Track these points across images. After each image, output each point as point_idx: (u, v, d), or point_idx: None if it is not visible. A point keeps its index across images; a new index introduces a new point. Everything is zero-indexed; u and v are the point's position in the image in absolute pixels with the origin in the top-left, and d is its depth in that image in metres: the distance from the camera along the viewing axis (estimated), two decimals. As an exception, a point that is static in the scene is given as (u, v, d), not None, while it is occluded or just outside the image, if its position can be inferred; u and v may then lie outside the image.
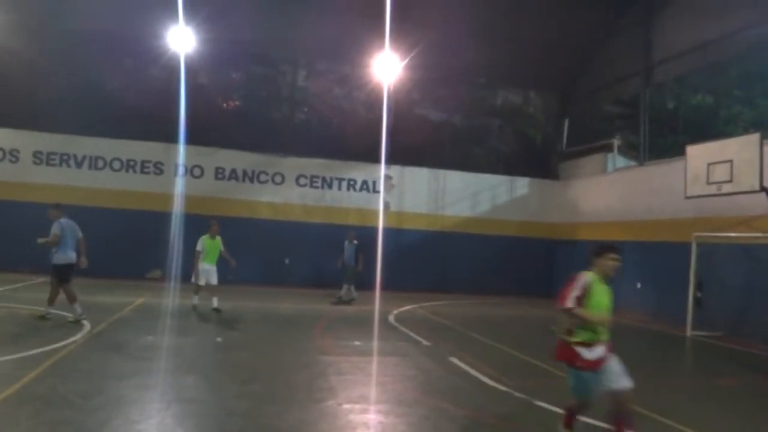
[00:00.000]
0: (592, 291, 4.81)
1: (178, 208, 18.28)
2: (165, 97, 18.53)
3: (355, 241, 15.87)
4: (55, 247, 9.87)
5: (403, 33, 17.62)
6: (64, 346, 8.00)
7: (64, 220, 10.05)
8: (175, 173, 18.95)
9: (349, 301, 15.59)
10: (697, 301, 13.10)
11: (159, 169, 18.99)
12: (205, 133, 18.94)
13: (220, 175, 19.50)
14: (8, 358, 7.17)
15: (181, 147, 18.73)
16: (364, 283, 17.03)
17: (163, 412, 5.50)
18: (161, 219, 17.88)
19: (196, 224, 18.26)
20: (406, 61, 18.79)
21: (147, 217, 18.04)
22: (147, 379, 6.73)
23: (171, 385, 6.48)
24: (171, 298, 14.08)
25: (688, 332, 12.92)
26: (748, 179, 11.57)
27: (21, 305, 11.23)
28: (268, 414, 5.66)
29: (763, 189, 11.49)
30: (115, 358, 7.64)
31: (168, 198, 18.31)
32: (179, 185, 18.76)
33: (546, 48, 20.16)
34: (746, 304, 12.55)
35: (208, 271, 12.55)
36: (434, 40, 18.38)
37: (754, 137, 11.71)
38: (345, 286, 15.93)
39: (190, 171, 19.16)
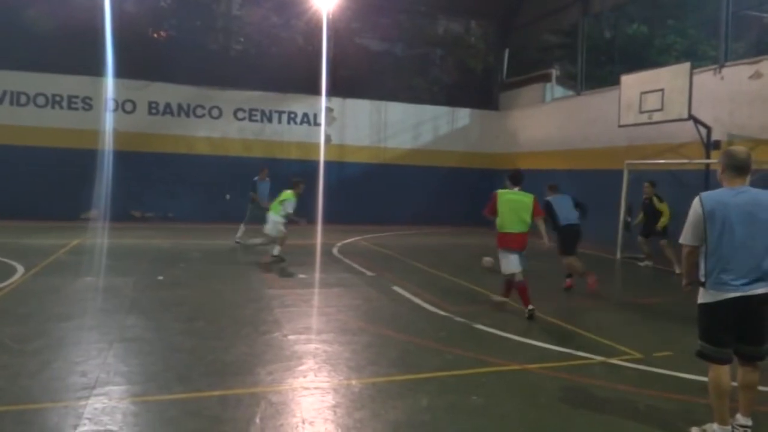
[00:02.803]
0: (500, 200, 7.58)
1: (110, 145, 17.57)
2: (90, 26, 17.40)
3: (267, 179, 14.12)
4: None
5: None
6: (-3, 291, 7.77)
7: None
8: (105, 108, 18.06)
9: (254, 246, 13.44)
10: (627, 225, 13.72)
11: (88, 104, 18.04)
12: (135, 65, 18.00)
13: (153, 110, 18.72)
14: (-64, 304, 6.92)
15: (110, 80, 17.80)
16: (308, 217, 17.01)
17: (105, 351, 5.46)
18: (93, 157, 17.19)
19: (130, 161, 17.74)
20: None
21: (78, 155, 17.27)
22: (87, 320, 6.63)
23: (112, 326, 6.41)
24: (108, 238, 13.74)
25: (618, 255, 13.60)
26: (678, 108, 11.98)
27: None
28: (213, 349, 5.71)
29: (691, 117, 11.95)
30: (53, 301, 7.47)
31: (99, 135, 17.53)
32: (110, 121, 17.94)
33: (486, -25, 19.88)
34: (672, 227, 13.23)
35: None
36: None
37: (685, 66, 12.06)
38: (245, 227, 13.87)
39: (121, 106, 18.30)
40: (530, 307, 7.43)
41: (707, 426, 4.05)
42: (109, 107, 18.05)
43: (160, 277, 9.39)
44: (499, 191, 7.69)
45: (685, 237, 4.04)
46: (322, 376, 5.07)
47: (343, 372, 5.20)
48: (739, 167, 3.94)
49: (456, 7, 21.95)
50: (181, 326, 6.52)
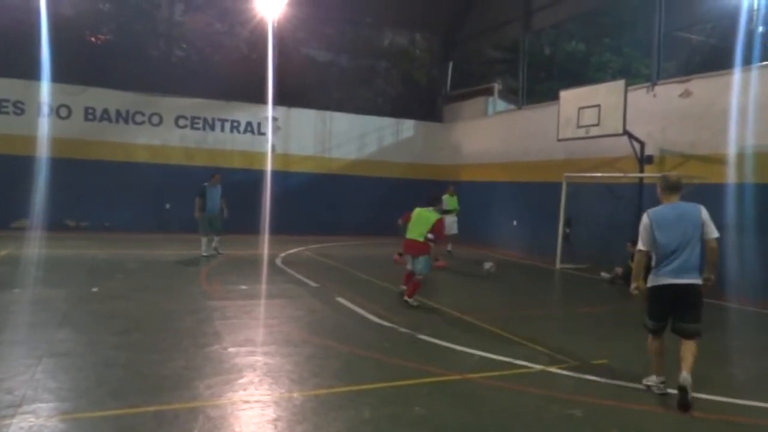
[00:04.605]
0: (412, 216, 9.14)
1: (43, 151, 16.84)
2: (24, 29, 16.67)
3: (219, 185, 13.43)
4: None
5: (286, -33, 16.93)
6: None
7: None
8: (39, 113, 17.32)
9: (213, 255, 13.28)
10: (566, 237, 14.13)
11: (19, 108, 17.22)
12: (71, 69, 17.31)
13: (90, 116, 18.05)
14: None
15: (45, 84, 17.08)
16: (251, 228, 16.80)
17: (34, 367, 5.20)
18: (24, 164, 16.42)
19: (65, 169, 17.05)
20: (291, -3, 18.10)
21: (7, 162, 16.46)
22: (14, 334, 6.31)
23: (42, 340, 6.10)
24: (38, 248, 13.13)
25: (557, 265, 13.97)
26: (613, 123, 12.44)
27: None
28: (149, 363, 5.52)
29: (626, 132, 12.43)
30: (-24, 314, 7.08)
31: (31, 141, 16.74)
32: (44, 126, 17.20)
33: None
34: (608, 238, 13.69)
35: None
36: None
37: (620, 84, 12.55)
38: (207, 239, 13.31)
39: (55, 111, 17.58)
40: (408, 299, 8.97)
41: (649, 377, 5.37)
42: (42, 112, 17.32)
43: (95, 289, 9.03)
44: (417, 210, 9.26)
45: (640, 244, 5.24)
46: (262, 389, 4.98)
47: (284, 384, 5.12)
48: (672, 187, 5.27)
49: (401, 20, 22.19)
50: (116, 340, 6.28)
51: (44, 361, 5.42)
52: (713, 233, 5.05)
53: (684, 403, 4.83)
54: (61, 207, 16.99)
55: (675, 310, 5.09)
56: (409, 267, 9.19)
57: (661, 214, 5.18)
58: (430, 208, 9.20)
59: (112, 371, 5.27)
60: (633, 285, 5.30)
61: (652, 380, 5.33)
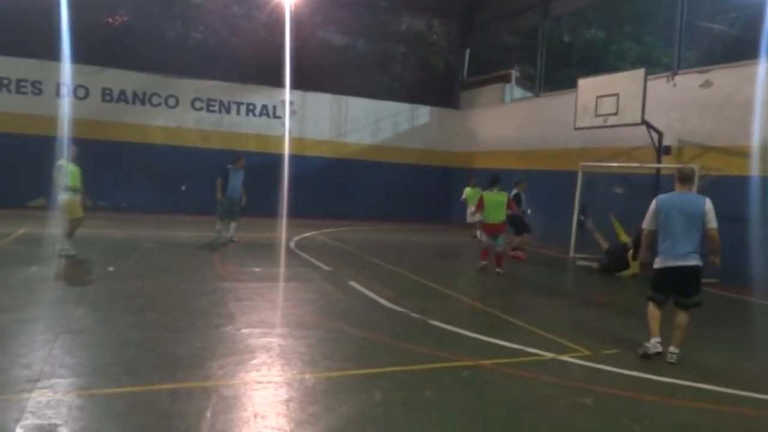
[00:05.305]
0: (485, 199, 10.64)
1: (61, 131, 16.96)
2: (42, 9, 16.74)
3: (242, 170, 12.99)
4: None
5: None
6: (-65, 279, 7.44)
7: None
8: (57, 94, 17.45)
9: (227, 241, 12.79)
10: (580, 225, 14.03)
11: (37, 88, 17.40)
12: (89, 50, 17.37)
13: (107, 97, 18.20)
14: None
15: (63, 65, 17.18)
16: (266, 211, 16.87)
17: (51, 344, 5.29)
18: (43, 144, 16.49)
19: (82, 149, 17.13)
20: (308, -20, 18.02)
21: (26, 141, 16.65)
22: (32, 311, 6.41)
23: (59, 317, 6.21)
24: (55, 227, 13.27)
25: (571, 254, 13.89)
26: (632, 112, 12.28)
27: None
28: (164, 342, 5.60)
29: (644, 122, 12.28)
30: (-5, 291, 7.20)
31: (49, 121, 16.85)
32: (62, 107, 17.33)
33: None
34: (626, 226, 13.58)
35: None
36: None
37: (640, 72, 12.37)
38: (221, 223, 12.97)
39: (73, 92, 17.71)
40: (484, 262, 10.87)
41: (647, 343, 5.95)
42: (60, 92, 17.46)
43: (111, 268, 9.15)
44: (482, 192, 11.04)
45: (645, 223, 6.09)
46: (275, 370, 5.03)
47: (296, 366, 5.17)
48: (683, 178, 5.94)
49: (419, 5, 22.02)
50: (132, 318, 6.37)
51: (61, 337, 5.51)
52: (713, 223, 5.74)
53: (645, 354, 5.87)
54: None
55: (677, 287, 5.90)
56: (487, 242, 10.85)
57: (668, 200, 5.91)
58: (495, 190, 10.72)
59: (127, 349, 5.35)
60: (642, 255, 6.38)
61: (651, 342, 5.94)
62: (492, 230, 10.73)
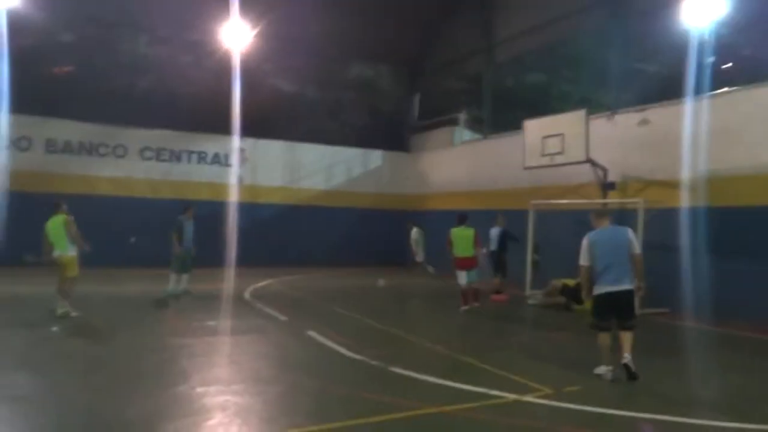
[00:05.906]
0: (452, 235, 11.42)
1: (1, 184, 16.37)
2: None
3: (192, 219, 12.70)
4: None
5: (252, 0, 17.04)
6: None
7: None
8: (-3, 145, 16.89)
9: (181, 294, 12.42)
10: (535, 263, 14.22)
11: (-24, 141, 16.81)
12: (31, 100, 16.99)
13: (51, 148, 17.72)
14: None
15: (3, 115, 16.68)
16: (219, 261, 16.50)
17: (-11, 414, 4.96)
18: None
19: (24, 202, 16.57)
20: (257, 30, 18.16)
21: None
22: (-32, 378, 6.03)
23: (-2, 384, 5.85)
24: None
25: (527, 292, 14.01)
26: (577, 151, 12.69)
27: None
28: (113, 406, 5.32)
29: (589, 160, 12.70)
30: (-72, 358, 6.75)
31: (-11, 173, 16.32)
32: (2, 158, 16.76)
33: (395, 22, 20.60)
34: (575, 263, 13.83)
35: None
36: (285, 9, 17.99)
37: (581, 113, 12.84)
38: (176, 276, 12.46)
39: (15, 143, 17.18)
40: (465, 307, 11.30)
41: (599, 368, 6.58)
42: (1, 144, 16.89)
43: (55, 328, 8.73)
44: (453, 229, 11.52)
45: (581, 259, 6.71)
46: (232, 431, 4.82)
47: (254, 425, 4.98)
48: (600, 215, 6.94)
49: (367, 52, 22.46)
50: (77, 382, 6.05)
51: (1, 406, 5.18)
52: (636, 249, 6.54)
53: (631, 374, 6.34)
54: (19, 242, 16.45)
55: (615, 310, 6.54)
56: (462, 282, 11.35)
57: (597, 235, 6.71)
58: (463, 226, 11.43)
59: (74, 416, 5.06)
60: (584, 293, 6.90)
61: (602, 369, 6.55)
62: (462, 264, 11.33)
